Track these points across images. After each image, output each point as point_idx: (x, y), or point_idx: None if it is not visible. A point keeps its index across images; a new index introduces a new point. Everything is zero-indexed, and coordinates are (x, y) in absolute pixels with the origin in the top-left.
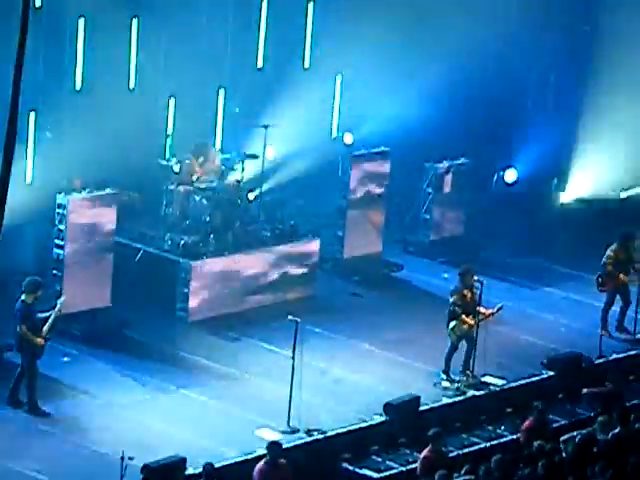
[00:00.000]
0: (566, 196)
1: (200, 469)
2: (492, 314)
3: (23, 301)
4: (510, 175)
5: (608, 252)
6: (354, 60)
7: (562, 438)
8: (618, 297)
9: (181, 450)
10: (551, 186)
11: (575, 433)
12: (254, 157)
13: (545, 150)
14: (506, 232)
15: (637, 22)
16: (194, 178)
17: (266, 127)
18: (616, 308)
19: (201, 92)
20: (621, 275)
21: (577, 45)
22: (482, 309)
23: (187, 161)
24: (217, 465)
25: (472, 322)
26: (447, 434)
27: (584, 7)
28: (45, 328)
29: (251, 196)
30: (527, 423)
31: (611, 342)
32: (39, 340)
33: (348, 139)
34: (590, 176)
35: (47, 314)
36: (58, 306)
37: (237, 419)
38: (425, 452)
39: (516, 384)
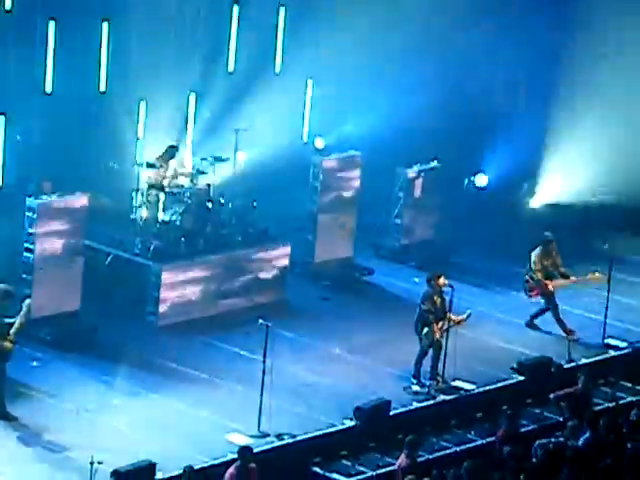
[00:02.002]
0: (536, 200)
1: (170, 474)
2: (462, 321)
3: None
4: (481, 180)
5: (533, 258)
6: (325, 65)
7: (536, 443)
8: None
9: (151, 455)
10: (521, 190)
11: (552, 440)
12: (225, 161)
13: (515, 154)
14: (477, 236)
15: (606, 24)
16: (165, 182)
17: (237, 131)
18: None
19: (172, 96)
20: (549, 282)
21: (546, 49)
22: (452, 316)
23: (157, 165)
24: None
25: (441, 329)
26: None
27: (554, 11)
28: (12, 331)
29: (222, 200)
30: (501, 432)
31: (581, 347)
32: (6, 344)
33: (319, 143)
34: (560, 180)
35: (14, 319)
36: (24, 309)
37: (207, 423)
38: (403, 461)
39: (486, 388)
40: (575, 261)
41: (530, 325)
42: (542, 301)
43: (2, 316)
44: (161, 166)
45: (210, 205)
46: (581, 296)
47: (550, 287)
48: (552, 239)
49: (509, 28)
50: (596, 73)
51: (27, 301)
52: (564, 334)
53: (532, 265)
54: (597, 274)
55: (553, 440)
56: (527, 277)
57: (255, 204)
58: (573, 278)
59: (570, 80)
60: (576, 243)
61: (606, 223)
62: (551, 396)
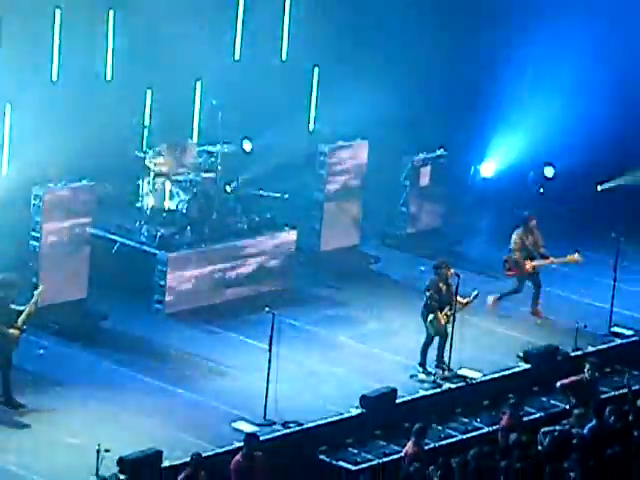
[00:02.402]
0: (541, 189)
1: (176, 462)
2: (469, 302)
3: None
4: (487, 169)
5: (514, 237)
6: (331, 52)
7: (542, 430)
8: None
9: (157, 443)
10: (528, 179)
11: (557, 427)
12: (231, 149)
13: (522, 143)
14: (483, 225)
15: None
16: (171, 170)
17: (243, 119)
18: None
19: (178, 84)
20: (528, 262)
21: (553, 34)
22: (459, 298)
23: (163, 154)
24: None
25: (447, 316)
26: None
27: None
28: (20, 320)
29: (228, 188)
30: (505, 422)
31: (588, 335)
32: (12, 332)
33: (326, 131)
34: (565, 170)
35: (24, 307)
36: (35, 297)
37: (214, 411)
38: (410, 448)
39: (492, 377)
40: (577, 247)
41: (535, 313)
42: (516, 281)
43: (10, 304)
44: (167, 154)
45: (225, 190)
46: (588, 284)
47: (528, 267)
48: (533, 218)
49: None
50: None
51: (38, 289)
52: (532, 313)
53: (512, 244)
54: (576, 255)
55: (558, 428)
56: (505, 256)
57: (261, 192)
58: (552, 259)
59: (577, 66)
60: (584, 231)
61: (614, 211)
62: (557, 384)
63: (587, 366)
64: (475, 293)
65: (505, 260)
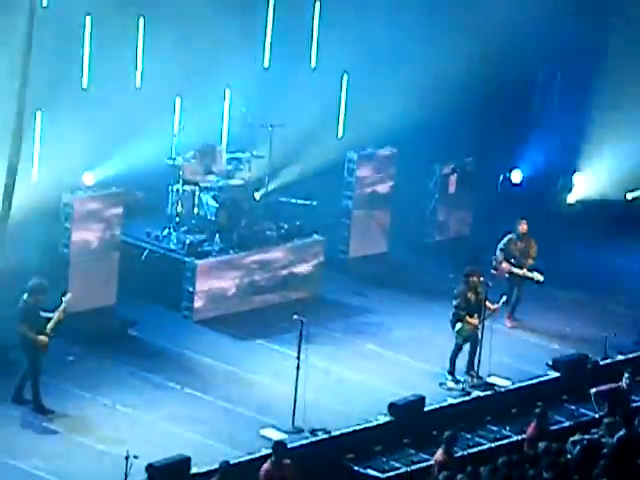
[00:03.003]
0: (572, 197)
1: (205, 469)
2: (497, 309)
3: (25, 301)
4: (517, 176)
5: (504, 240)
6: (361, 59)
7: (571, 439)
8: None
9: (185, 449)
10: (557, 187)
11: (585, 436)
12: (260, 157)
13: (551, 150)
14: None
15: None
16: (200, 178)
17: (272, 127)
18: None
19: (207, 91)
20: (505, 263)
21: (583, 42)
22: (488, 304)
23: (192, 160)
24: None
25: (476, 322)
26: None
27: (592, 6)
28: (49, 326)
29: (257, 195)
30: (530, 431)
31: (617, 344)
32: (41, 339)
33: (355, 138)
34: (595, 177)
35: (52, 314)
36: (63, 304)
37: (242, 419)
38: (440, 456)
39: (521, 385)
40: (610, 257)
41: (510, 318)
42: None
43: (40, 310)
44: (196, 162)
45: (254, 197)
46: (618, 293)
47: (504, 266)
48: (523, 223)
49: (547, 22)
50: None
51: (67, 296)
52: (508, 319)
53: (500, 244)
54: (538, 274)
55: (587, 437)
56: (494, 257)
57: (290, 200)
58: (525, 270)
59: (607, 74)
60: (613, 240)
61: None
62: (592, 391)
63: (625, 375)
64: (504, 299)
65: (493, 260)
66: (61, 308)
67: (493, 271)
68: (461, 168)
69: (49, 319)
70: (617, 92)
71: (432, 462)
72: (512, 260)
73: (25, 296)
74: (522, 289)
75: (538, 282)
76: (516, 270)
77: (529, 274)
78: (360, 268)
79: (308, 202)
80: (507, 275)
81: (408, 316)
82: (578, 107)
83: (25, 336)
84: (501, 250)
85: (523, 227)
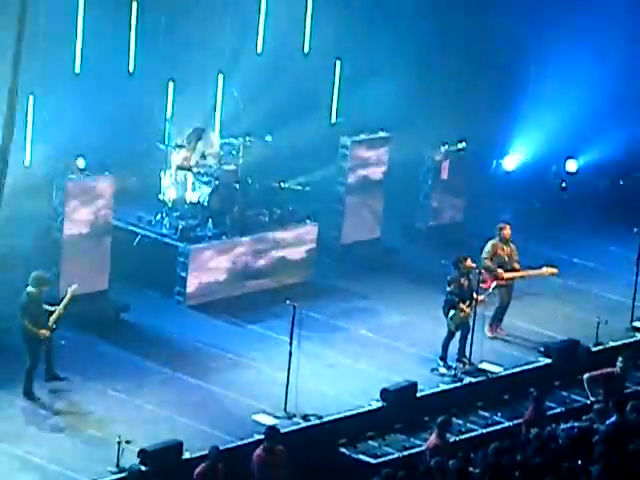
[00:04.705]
0: (563, 182)
1: (197, 453)
2: (484, 300)
3: (28, 294)
4: (509, 162)
5: (487, 247)
6: (353, 44)
7: (561, 426)
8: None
9: (178, 434)
10: (550, 172)
11: (576, 423)
12: (252, 142)
13: (545, 136)
14: (505, 219)
15: None
16: (192, 163)
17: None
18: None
19: (200, 76)
20: (501, 271)
21: (576, 27)
22: (475, 295)
23: (184, 146)
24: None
25: (468, 310)
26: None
27: None
28: (52, 318)
29: (250, 181)
30: (528, 415)
31: (608, 330)
32: (42, 332)
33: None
34: (590, 163)
35: (54, 307)
36: (69, 295)
37: (234, 404)
38: (433, 440)
39: (513, 371)
40: (603, 243)
41: (493, 329)
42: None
43: (42, 303)
44: (189, 147)
45: (237, 186)
46: (610, 279)
47: (502, 275)
48: (507, 227)
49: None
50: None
51: (72, 287)
52: (488, 328)
53: (484, 253)
54: (552, 269)
55: (577, 424)
56: (479, 268)
57: (283, 185)
58: (528, 271)
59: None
60: (606, 227)
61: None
62: (585, 376)
63: (619, 359)
64: (490, 289)
65: (479, 272)
66: (64, 302)
67: (484, 285)
68: (454, 154)
69: (51, 313)
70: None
71: (424, 447)
72: (500, 264)
73: (28, 288)
74: (510, 296)
75: (553, 275)
76: (525, 273)
77: (541, 271)
78: (353, 253)
79: (301, 187)
80: (495, 284)
81: (400, 302)
82: (572, 92)
83: (26, 329)
84: (489, 259)
85: (507, 232)
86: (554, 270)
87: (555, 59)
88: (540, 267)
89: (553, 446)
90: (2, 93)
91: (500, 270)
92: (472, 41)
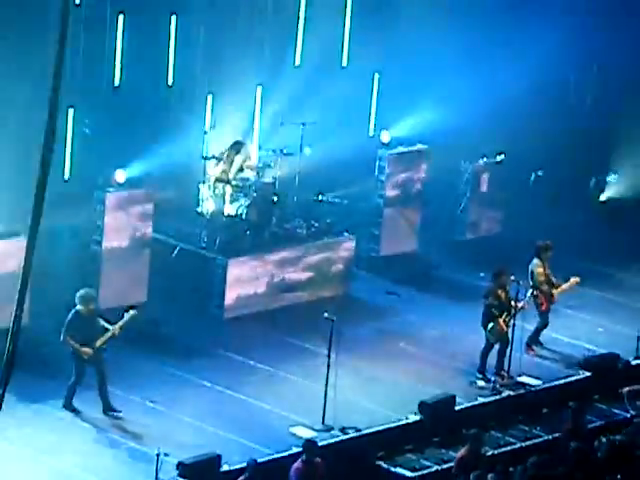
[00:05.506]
0: (605, 195)
1: (235, 466)
2: (525, 306)
3: (77, 312)
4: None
5: (536, 270)
6: (392, 58)
7: (601, 439)
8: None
9: (216, 447)
10: (590, 185)
11: (617, 437)
12: (291, 155)
13: (584, 148)
14: (544, 232)
15: None
16: (231, 176)
17: (304, 125)
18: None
19: (239, 89)
20: (555, 292)
21: (621, 42)
22: (513, 302)
23: (223, 159)
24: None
25: (505, 325)
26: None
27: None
28: (102, 339)
29: (288, 194)
30: (567, 429)
31: None
32: (85, 350)
33: (385, 137)
34: (629, 175)
35: (111, 326)
36: (125, 319)
37: (272, 417)
38: (461, 452)
39: (552, 384)
40: None
41: (533, 344)
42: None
43: (90, 323)
44: (227, 160)
45: (275, 199)
46: None
47: (556, 296)
48: (549, 248)
49: (581, 23)
50: None
51: (131, 312)
52: (527, 346)
53: (536, 277)
54: (575, 278)
55: (618, 437)
56: (534, 292)
57: (321, 197)
58: (564, 286)
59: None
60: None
61: None
62: (624, 390)
63: None
64: (529, 294)
65: (535, 296)
66: (120, 323)
67: (542, 308)
68: (493, 166)
69: (106, 329)
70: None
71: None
72: (552, 285)
73: (77, 307)
74: (548, 314)
75: (577, 284)
76: (568, 286)
77: (570, 283)
78: (391, 266)
79: (339, 200)
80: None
81: (439, 315)
82: (613, 104)
83: (69, 345)
84: (543, 283)
85: (549, 253)
86: (577, 279)
87: (599, 66)
88: (567, 279)
89: (593, 460)
90: (43, 106)
91: (554, 291)
92: (514, 51)
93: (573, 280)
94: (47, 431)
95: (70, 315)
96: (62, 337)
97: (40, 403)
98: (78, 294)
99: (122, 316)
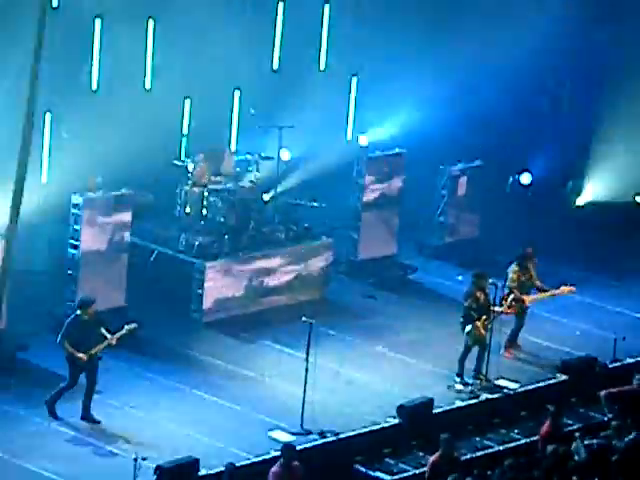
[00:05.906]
0: (581, 199)
1: (213, 470)
2: (504, 311)
3: (76, 316)
4: (526, 179)
5: (510, 275)
6: (370, 62)
7: (578, 442)
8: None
9: (194, 451)
10: (566, 189)
11: (594, 440)
12: (269, 159)
13: (561, 153)
14: (521, 235)
15: None
16: (209, 180)
17: (281, 128)
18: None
19: (216, 93)
20: (526, 298)
21: (594, 47)
22: (494, 308)
23: (200, 163)
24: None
25: (483, 329)
26: (460, 437)
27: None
28: (98, 347)
29: (266, 197)
30: (544, 429)
31: (626, 346)
32: (80, 356)
33: (363, 141)
34: (606, 179)
35: (110, 335)
36: (123, 331)
37: (250, 420)
38: (434, 456)
39: (530, 387)
40: (620, 260)
41: (512, 346)
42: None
43: (88, 329)
44: (205, 163)
45: (253, 203)
46: (628, 296)
47: (527, 303)
48: (532, 255)
49: (557, 26)
50: None
51: (131, 326)
52: (504, 349)
53: (509, 282)
54: (569, 287)
55: (595, 441)
56: (504, 294)
57: (299, 201)
58: (552, 291)
59: (616, 79)
60: (622, 242)
61: None
62: (602, 393)
63: (637, 376)
64: (510, 299)
65: (503, 298)
66: (118, 334)
67: (509, 310)
68: (471, 170)
69: (104, 337)
70: (629, 94)
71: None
72: (524, 290)
73: (78, 312)
74: (524, 317)
75: (572, 293)
76: (550, 293)
77: (561, 290)
78: (369, 270)
79: (317, 204)
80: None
81: (416, 318)
82: (589, 108)
83: (64, 349)
84: (514, 288)
85: (534, 259)
86: (572, 289)
87: (572, 75)
88: (558, 287)
89: (570, 463)
90: (19, 110)
91: (525, 297)
92: (490, 57)
93: (564, 289)
94: (22, 435)
95: (69, 319)
96: (59, 340)
97: (14, 406)
98: (78, 299)
99: (121, 328)
